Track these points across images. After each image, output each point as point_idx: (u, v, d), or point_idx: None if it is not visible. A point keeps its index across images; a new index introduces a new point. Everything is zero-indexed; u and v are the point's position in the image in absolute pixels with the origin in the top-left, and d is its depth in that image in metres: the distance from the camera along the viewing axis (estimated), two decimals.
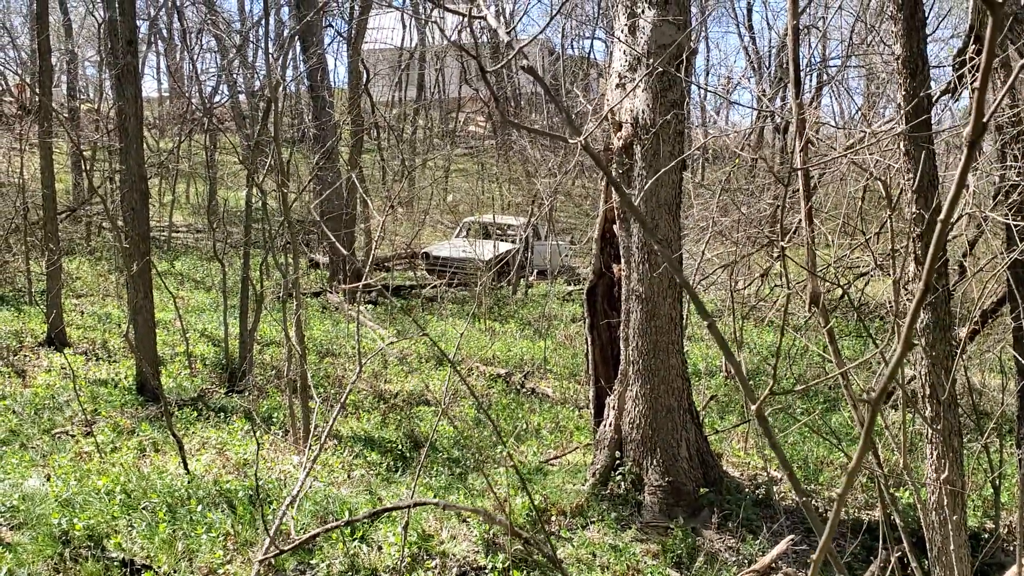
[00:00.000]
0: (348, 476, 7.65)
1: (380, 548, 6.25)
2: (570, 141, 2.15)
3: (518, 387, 10.93)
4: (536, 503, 7.00)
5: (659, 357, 7.04)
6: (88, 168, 13.25)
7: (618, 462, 7.17)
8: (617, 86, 7.36)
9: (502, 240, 18.90)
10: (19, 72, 21.14)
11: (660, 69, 6.75)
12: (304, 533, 6.29)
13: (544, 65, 36.71)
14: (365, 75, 20.06)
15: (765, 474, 7.89)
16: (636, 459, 7.09)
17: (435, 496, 7.12)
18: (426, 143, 31.40)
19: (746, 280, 13.48)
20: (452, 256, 18.14)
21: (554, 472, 7.90)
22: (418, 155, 28.92)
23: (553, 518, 6.94)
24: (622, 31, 7.32)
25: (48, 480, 6.69)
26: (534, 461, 8.23)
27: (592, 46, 46.39)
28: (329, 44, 29.42)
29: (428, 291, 16.86)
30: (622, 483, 7.05)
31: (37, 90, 12.68)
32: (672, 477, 6.93)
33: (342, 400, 6.14)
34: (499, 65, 2.76)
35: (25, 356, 10.84)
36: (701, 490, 7.00)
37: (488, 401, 10.25)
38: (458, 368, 11.30)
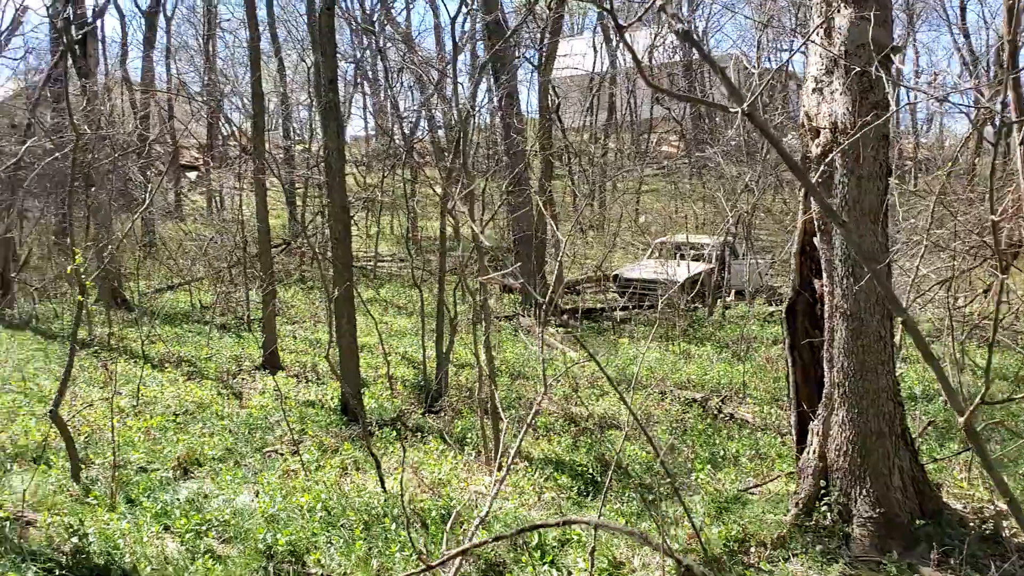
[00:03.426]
0: (539, 498, 7.60)
1: (570, 573, 6.14)
2: (731, 110, 1.95)
3: (715, 412, 10.52)
4: (734, 533, 6.67)
5: (867, 378, 6.52)
6: (302, 203, 14.16)
7: (823, 491, 6.68)
8: (813, 91, 6.96)
9: (696, 260, 18.42)
10: (240, 118, 23.08)
11: (859, 69, 6.30)
12: (493, 553, 6.30)
13: (739, 79, 35.77)
14: (556, 101, 20.29)
15: (992, 507, 7.11)
16: (843, 488, 6.58)
17: (626, 523, 6.92)
18: (616, 164, 31.32)
19: (967, 297, 12.36)
20: (644, 278, 17.86)
21: (753, 501, 7.49)
22: (609, 177, 28.89)
23: (752, 549, 6.56)
24: (817, 33, 6.92)
25: (257, 496, 7.07)
26: (732, 490, 7.84)
27: (791, 57, 44.63)
28: (519, 71, 29.98)
29: (619, 313, 16.67)
30: (828, 514, 6.56)
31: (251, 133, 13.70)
32: (884, 508, 6.37)
33: (528, 421, 6.10)
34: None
35: (243, 379, 11.64)
36: (917, 522, 6.39)
37: (683, 426, 9.93)
38: (647, 392, 11.05)
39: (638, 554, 6.43)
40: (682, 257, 18.45)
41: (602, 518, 6.04)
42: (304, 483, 7.49)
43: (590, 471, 8.30)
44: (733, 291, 18.77)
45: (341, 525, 6.55)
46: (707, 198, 24.30)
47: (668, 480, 7.66)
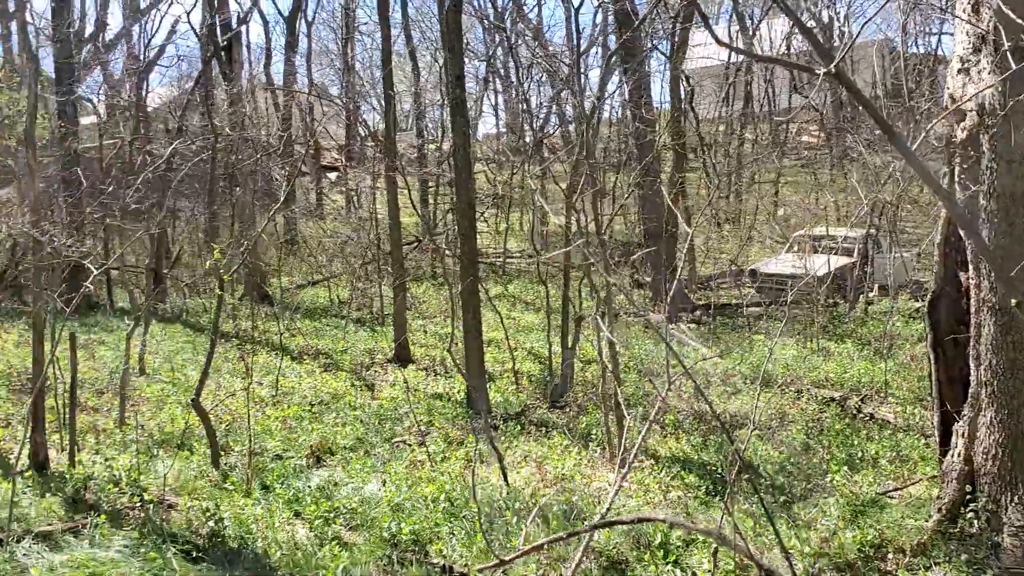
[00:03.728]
0: (664, 497, 7.45)
1: (694, 574, 5.99)
2: (817, 72, 1.80)
3: (854, 412, 10.05)
4: (870, 538, 6.34)
5: (1018, 377, 6.05)
6: (434, 200, 14.41)
7: (969, 497, 6.26)
8: (959, 71, 6.51)
9: (837, 254, 17.62)
10: (377, 119, 23.73)
11: (1010, 45, 5.84)
12: (615, 551, 6.22)
13: (884, 65, 34.09)
14: (688, 92, 19.88)
15: None
16: (991, 494, 6.13)
17: (755, 525, 6.68)
18: (753, 156, 30.37)
19: None
20: (782, 272, 17.24)
21: (892, 506, 7.10)
22: (744, 167, 28.05)
23: (890, 556, 6.21)
24: (964, 10, 6.48)
25: (384, 485, 7.23)
26: (870, 492, 7.45)
27: (939, 41, 42.10)
28: (652, 62, 29.44)
29: (755, 310, 16.15)
30: (974, 521, 6.14)
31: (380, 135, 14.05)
32: None
33: (651, 418, 5.97)
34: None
35: (375, 371, 11.96)
36: None
37: (819, 426, 9.53)
38: (782, 390, 10.66)
39: (767, 557, 6.20)
40: (818, 251, 17.70)
41: (723, 519, 5.85)
42: (429, 474, 7.61)
43: (719, 470, 8.08)
44: (876, 286, 17.89)
45: (463, 517, 6.61)
46: (848, 189, 23.25)
47: (748, 476, 7.39)
